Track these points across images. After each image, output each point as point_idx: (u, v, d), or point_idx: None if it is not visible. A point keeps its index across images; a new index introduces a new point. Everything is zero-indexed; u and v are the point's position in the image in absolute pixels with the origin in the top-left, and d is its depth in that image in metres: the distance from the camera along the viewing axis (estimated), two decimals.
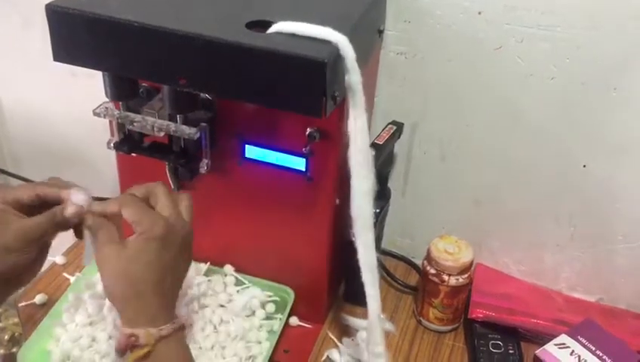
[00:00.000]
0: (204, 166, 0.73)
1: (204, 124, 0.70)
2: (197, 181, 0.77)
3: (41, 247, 0.59)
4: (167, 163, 0.76)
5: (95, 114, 0.70)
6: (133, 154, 0.75)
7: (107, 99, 0.70)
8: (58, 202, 0.59)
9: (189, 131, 0.68)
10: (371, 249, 0.69)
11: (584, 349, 0.77)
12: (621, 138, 0.79)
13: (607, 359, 0.76)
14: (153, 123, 0.69)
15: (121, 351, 0.54)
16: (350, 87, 0.62)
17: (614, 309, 0.90)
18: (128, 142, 0.74)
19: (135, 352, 0.53)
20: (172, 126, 0.69)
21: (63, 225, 0.58)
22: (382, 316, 0.74)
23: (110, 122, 0.73)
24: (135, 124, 0.70)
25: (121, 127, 0.73)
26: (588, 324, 0.81)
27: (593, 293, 0.92)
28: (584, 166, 0.82)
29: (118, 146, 0.74)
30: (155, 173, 0.77)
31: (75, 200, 0.58)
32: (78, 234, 0.60)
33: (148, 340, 0.53)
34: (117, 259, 0.55)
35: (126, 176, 0.86)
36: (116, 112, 0.70)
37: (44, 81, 1.06)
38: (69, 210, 0.58)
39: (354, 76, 0.61)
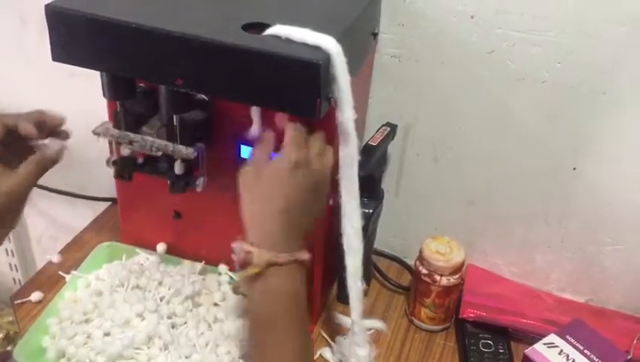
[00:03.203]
0: (200, 183, 0.75)
1: (200, 145, 0.72)
2: None
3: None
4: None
5: (95, 133, 0.72)
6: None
7: (104, 106, 0.71)
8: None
9: (186, 151, 0.70)
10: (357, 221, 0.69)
11: (572, 349, 0.78)
12: (611, 141, 0.80)
13: (595, 358, 0.77)
14: (152, 143, 0.71)
15: (239, 265, 0.57)
16: (339, 94, 0.62)
17: (603, 310, 0.92)
18: (126, 165, 0.77)
19: (247, 269, 0.55)
20: (170, 146, 0.70)
21: (47, 167, 0.62)
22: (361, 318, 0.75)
23: (109, 141, 0.74)
24: (134, 143, 0.71)
25: (119, 145, 0.75)
26: (577, 324, 0.82)
27: (583, 294, 0.93)
28: (574, 168, 0.83)
29: (118, 173, 0.77)
30: (152, 180, 0.78)
31: (52, 144, 0.62)
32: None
33: (259, 261, 0.55)
34: (254, 179, 0.60)
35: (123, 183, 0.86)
36: (115, 132, 0.71)
37: (42, 80, 1.06)
38: (51, 153, 0.62)
39: (343, 84, 0.61)
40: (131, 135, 0.71)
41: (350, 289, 0.72)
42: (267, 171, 0.60)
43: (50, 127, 0.66)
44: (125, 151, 0.75)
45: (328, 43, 0.59)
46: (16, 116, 0.63)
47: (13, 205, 0.61)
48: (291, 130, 0.62)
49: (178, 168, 0.74)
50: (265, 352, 0.56)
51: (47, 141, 0.62)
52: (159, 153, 0.71)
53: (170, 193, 0.77)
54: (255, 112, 0.69)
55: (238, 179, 0.61)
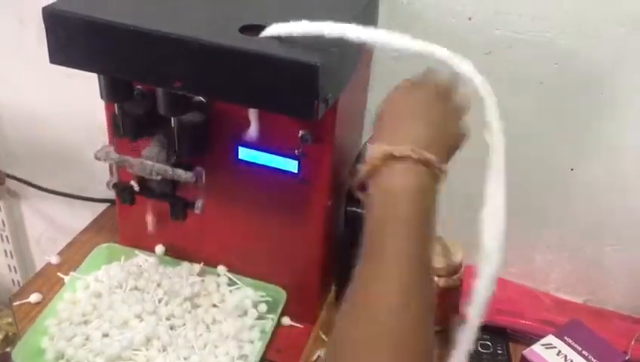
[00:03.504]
0: (199, 206, 0.76)
1: (199, 168, 0.73)
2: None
3: None
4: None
5: (96, 158, 0.73)
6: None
7: (102, 107, 0.72)
8: None
9: (185, 176, 0.71)
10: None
11: (571, 349, 0.78)
12: (609, 141, 0.80)
13: (592, 359, 0.77)
14: (152, 167, 0.71)
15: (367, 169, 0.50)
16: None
17: (602, 310, 0.92)
18: (128, 191, 0.78)
19: (364, 166, 0.50)
20: (169, 170, 0.71)
21: None
22: None
23: (110, 165, 0.75)
24: (134, 168, 0.72)
25: (121, 168, 0.76)
26: (575, 325, 0.82)
27: (581, 294, 0.93)
28: (572, 169, 0.83)
29: (123, 199, 0.79)
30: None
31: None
32: None
33: (378, 152, 0.49)
34: (401, 96, 0.59)
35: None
36: (116, 156, 0.72)
37: (41, 81, 1.06)
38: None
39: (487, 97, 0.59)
40: (131, 159, 0.72)
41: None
42: (428, 87, 0.58)
43: None
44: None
45: (333, 26, 0.58)
46: None
47: None
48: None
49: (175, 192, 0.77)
50: (386, 252, 0.46)
51: None
52: (159, 177, 0.72)
53: (172, 218, 0.78)
54: (253, 114, 0.69)
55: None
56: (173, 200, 0.78)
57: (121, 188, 0.78)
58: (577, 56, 0.76)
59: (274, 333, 0.82)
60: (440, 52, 0.58)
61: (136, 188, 0.77)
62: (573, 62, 0.76)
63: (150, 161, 0.72)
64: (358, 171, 0.50)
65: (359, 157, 0.79)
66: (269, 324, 0.82)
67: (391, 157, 0.48)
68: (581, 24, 0.74)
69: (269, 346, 0.80)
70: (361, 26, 0.58)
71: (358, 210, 0.79)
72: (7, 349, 1.32)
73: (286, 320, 0.85)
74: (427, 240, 0.49)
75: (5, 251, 1.34)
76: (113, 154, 0.74)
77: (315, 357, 0.82)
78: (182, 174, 0.71)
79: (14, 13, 1.03)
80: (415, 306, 0.44)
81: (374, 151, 0.49)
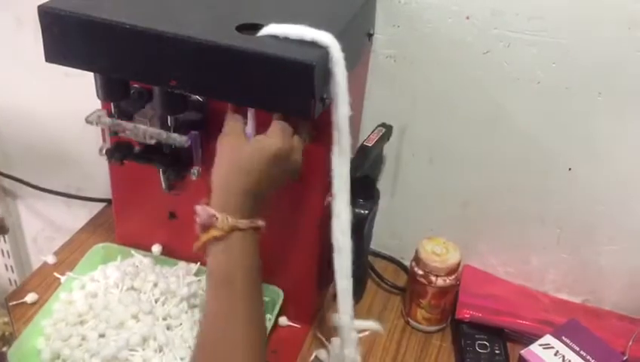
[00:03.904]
0: (194, 172, 0.74)
1: (194, 132, 0.71)
2: (187, 181, 0.78)
3: None
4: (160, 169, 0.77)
5: (87, 122, 0.71)
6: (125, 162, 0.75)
7: (99, 106, 0.71)
8: None
9: (179, 139, 0.69)
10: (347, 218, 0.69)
11: (568, 349, 0.78)
12: (606, 142, 0.80)
13: (590, 359, 0.77)
14: (145, 131, 0.70)
15: (201, 228, 0.60)
16: (335, 91, 0.62)
17: (599, 310, 0.92)
18: (120, 150, 0.75)
19: (210, 232, 0.59)
20: (163, 134, 0.70)
21: None
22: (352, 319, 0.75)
23: (102, 129, 0.74)
24: (127, 131, 0.71)
25: (113, 133, 0.73)
26: (572, 325, 0.82)
27: (579, 295, 0.93)
28: (569, 169, 0.83)
29: (110, 154, 0.75)
30: (146, 172, 0.78)
31: None
32: None
33: (223, 225, 0.59)
34: (233, 147, 0.62)
35: (117, 174, 0.86)
36: (108, 120, 0.71)
37: (37, 81, 1.06)
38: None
39: (340, 80, 0.62)
40: (124, 123, 0.71)
41: (338, 291, 0.72)
42: (249, 147, 0.62)
43: None
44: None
45: (325, 38, 0.59)
46: None
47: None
48: (278, 117, 0.64)
49: (171, 157, 0.74)
50: (220, 309, 0.59)
51: None
52: (153, 141, 0.70)
53: (165, 188, 0.76)
54: (250, 112, 0.69)
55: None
56: (167, 164, 0.76)
57: (113, 148, 0.76)
58: (575, 56, 0.76)
59: (271, 334, 0.81)
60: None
61: (137, 149, 0.75)
62: (571, 62, 0.76)
63: (143, 124, 0.71)
64: (200, 236, 0.60)
65: (357, 157, 0.79)
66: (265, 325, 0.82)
67: (235, 229, 0.59)
68: (578, 23, 0.74)
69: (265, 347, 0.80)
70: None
71: (356, 210, 0.78)
72: (4, 349, 1.31)
73: (283, 321, 0.85)
74: (258, 296, 0.62)
75: (2, 250, 1.34)
76: (105, 118, 0.71)
77: (312, 358, 0.82)
78: (176, 138, 0.70)
79: (11, 12, 1.03)
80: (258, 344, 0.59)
81: (222, 223, 0.59)
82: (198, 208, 0.61)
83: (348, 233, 0.69)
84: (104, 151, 0.75)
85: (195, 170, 0.74)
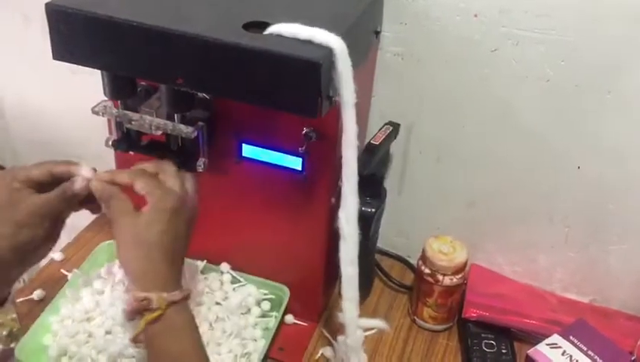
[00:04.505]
0: (201, 164, 0.74)
1: (201, 123, 0.70)
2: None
3: (55, 223, 0.61)
4: None
5: (94, 112, 0.71)
6: (131, 153, 0.75)
7: (106, 99, 0.71)
8: (69, 178, 0.62)
9: (186, 130, 0.69)
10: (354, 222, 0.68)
11: (576, 349, 0.78)
12: (615, 140, 0.79)
13: (598, 359, 0.77)
14: (151, 122, 0.70)
15: (132, 315, 0.57)
16: (341, 92, 0.62)
17: (607, 310, 0.91)
18: (126, 141, 0.75)
19: (147, 316, 0.56)
20: (169, 125, 0.69)
21: (73, 200, 0.62)
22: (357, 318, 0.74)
23: (109, 120, 0.74)
24: (133, 122, 0.71)
25: (119, 125, 0.73)
26: (580, 325, 0.82)
27: (586, 294, 0.92)
28: (578, 167, 0.83)
29: (116, 144, 0.74)
30: None
31: (85, 173, 0.62)
32: (95, 209, 0.64)
33: (160, 304, 0.56)
34: (132, 226, 0.59)
35: None
36: (114, 111, 0.71)
37: (45, 78, 1.06)
38: (77, 184, 0.61)
39: (346, 81, 0.61)
40: (130, 113, 0.70)
41: (343, 279, 0.71)
42: (147, 218, 0.59)
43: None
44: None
45: (332, 40, 0.59)
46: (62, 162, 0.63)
47: (23, 232, 0.58)
48: (139, 182, 0.61)
49: (175, 146, 0.73)
50: None
51: (81, 169, 0.63)
52: (159, 132, 0.70)
53: None
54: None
55: (114, 230, 0.61)
56: (173, 156, 0.73)
57: (120, 139, 0.75)
58: (584, 54, 0.75)
59: (277, 331, 0.81)
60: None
61: (144, 143, 0.74)
62: (580, 60, 0.76)
63: (149, 115, 0.70)
64: (142, 322, 0.57)
65: (364, 155, 0.78)
66: (272, 322, 0.82)
67: (172, 303, 0.57)
68: (587, 21, 0.73)
69: (272, 344, 0.80)
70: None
71: (363, 208, 0.78)
72: (12, 345, 1.32)
73: (290, 318, 0.85)
74: (207, 358, 0.60)
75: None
76: (112, 109, 0.71)
77: (318, 356, 0.82)
78: (182, 129, 0.69)
79: (19, 10, 1.03)
80: None
81: (158, 302, 0.56)
82: (127, 297, 0.58)
83: (354, 221, 0.68)
84: (110, 143, 0.75)
85: (201, 162, 0.74)
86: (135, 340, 0.59)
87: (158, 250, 0.58)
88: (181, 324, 0.58)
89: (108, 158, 0.85)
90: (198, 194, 0.65)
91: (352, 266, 0.70)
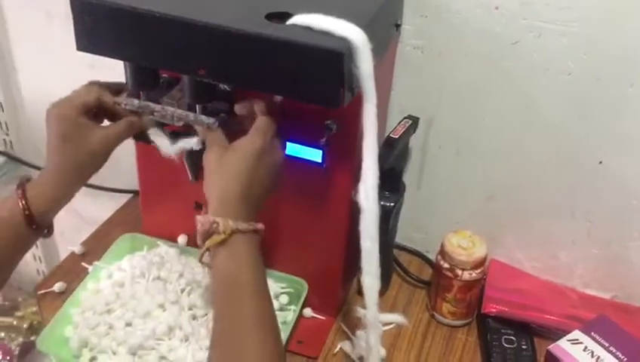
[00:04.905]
0: None
1: (222, 115, 0.71)
2: None
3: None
4: (185, 153, 0.77)
5: (116, 103, 0.72)
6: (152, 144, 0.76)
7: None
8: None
9: (207, 121, 0.69)
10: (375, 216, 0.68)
11: (597, 345, 0.77)
12: (637, 134, 0.79)
13: (620, 355, 0.76)
14: (173, 112, 0.70)
15: (202, 236, 0.61)
16: (362, 82, 0.62)
17: (629, 306, 0.90)
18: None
19: (213, 238, 0.60)
20: (191, 115, 0.70)
21: (137, 131, 0.73)
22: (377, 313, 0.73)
23: (130, 112, 0.74)
24: (155, 113, 0.71)
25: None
26: (602, 321, 0.81)
27: (608, 290, 0.91)
28: (600, 162, 0.82)
29: (137, 137, 0.75)
30: (173, 163, 0.78)
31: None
32: (142, 138, 0.74)
33: (225, 229, 0.60)
34: (219, 156, 0.65)
35: (144, 167, 0.87)
36: (136, 102, 0.71)
37: (64, 72, 1.07)
38: (146, 120, 0.72)
39: (366, 73, 0.61)
40: (152, 105, 0.71)
41: (363, 252, 0.70)
42: (233, 152, 0.64)
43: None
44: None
45: (353, 32, 0.59)
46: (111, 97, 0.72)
47: (96, 158, 0.70)
48: (259, 115, 0.67)
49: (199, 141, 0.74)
50: (230, 311, 0.59)
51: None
52: (180, 123, 0.71)
53: (192, 178, 0.77)
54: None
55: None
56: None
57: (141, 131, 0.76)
58: (606, 47, 0.74)
59: (295, 325, 0.81)
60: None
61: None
62: (602, 53, 0.75)
63: (171, 106, 0.71)
64: (203, 242, 0.61)
65: (383, 149, 0.78)
66: (290, 316, 0.82)
67: (236, 232, 0.60)
68: (609, 13, 0.73)
69: (290, 338, 0.80)
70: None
71: (381, 203, 0.78)
72: (33, 338, 1.33)
73: (308, 312, 0.85)
74: (266, 296, 0.62)
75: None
76: (133, 100, 0.72)
77: (336, 349, 0.82)
78: (204, 120, 0.70)
79: (42, 7, 1.04)
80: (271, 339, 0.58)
81: (224, 227, 0.60)
82: (199, 218, 0.62)
83: (373, 196, 0.67)
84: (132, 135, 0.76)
85: None
86: (200, 260, 0.62)
87: (234, 183, 0.62)
88: (243, 253, 0.61)
89: (126, 150, 0.85)
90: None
91: (371, 241, 0.69)
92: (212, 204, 0.63)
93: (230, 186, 0.62)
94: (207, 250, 0.61)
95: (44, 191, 0.68)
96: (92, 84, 0.72)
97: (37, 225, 0.67)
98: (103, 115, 0.73)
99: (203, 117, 0.69)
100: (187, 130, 0.73)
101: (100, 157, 0.71)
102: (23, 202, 0.66)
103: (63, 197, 0.70)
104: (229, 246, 0.60)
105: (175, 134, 0.74)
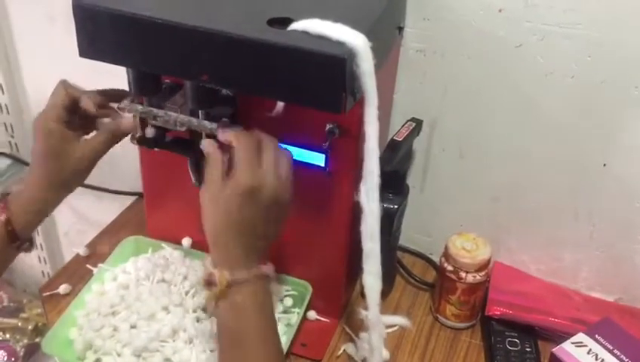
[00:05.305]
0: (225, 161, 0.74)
1: (225, 120, 0.71)
2: None
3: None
4: (189, 158, 0.77)
5: (119, 108, 0.72)
6: (156, 149, 0.76)
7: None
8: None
9: (210, 126, 0.69)
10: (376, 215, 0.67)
11: (602, 348, 0.77)
12: None
13: (624, 358, 0.76)
14: (176, 118, 0.70)
15: (206, 284, 0.59)
16: (364, 85, 0.61)
17: (634, 309, 0.90)
18: (151, 137, 0.75)
19: (212, 291, 0.58)
20: (194, 121, 0.70)
21: (120, 137, 0.72)
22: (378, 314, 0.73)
23: (133, 117, 0.75)
24: (158, 119, 0.71)
25: (143, 122, 0.74)
26: (606, 323, 0.81)
27: (612, 293, 0.91)
28: (604, 165, 0.82)
29: (141, 141, 0.75)
30: (177, 166, 0.78)
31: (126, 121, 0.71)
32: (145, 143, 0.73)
33: (221, 282, 0.57)
34: (209, 194, 0.61)
35: (148, 170, 0.87)
36: (139, 107, 0.71)
37: (70, 76, 1.07)
38: (126, 123, 0.71)
39: (368, 76, 0.60)
40: (155, 110, 0.71)
41: (365, 254, 0.69)
42: (223, 194, 0.60)
43: (115, 100, 0.73)
44: (150, 132, 0.74)
45: (355, 37, 0.59)
46: (81, 91, 0.72)
47: (81, 171, 0.70)
48: (239, 148, 0.61)
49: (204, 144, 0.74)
50: None
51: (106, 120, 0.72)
52: (183, 128, 0.71)
53: (195, 181, 0.77)
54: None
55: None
56: (196, 153, 0.73)
57: (144, 135, 0.75)
58: (610, 49, 0.74)
59: (299, 327, 0.82)
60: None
61: (169, 139, 0.76)
62: (607, 55, 0.75)
63: (174, 112, 0.71)
64: (208, 294, 0.59)
65: (386, 151, 0.78)
66: (294, 318, 0.82)
67: (233, 284, 0.58)
68: (613, 16, 0.72)
69: (294, 340, 0.80)
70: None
71: (385, 205, 0.78)
72: (37, 339, 1.34)
73: (312, 314, 0.85)
74: (272, 344, 0.60)
75: (35, 243, 1.36)
76: (136, 105, 0.72)
77: (340, 352, 0.82)
78: (207, 125, 0.69)
79: (44, 10, 1.04)
80: None
81: (220, 279, 0.58)
82: (204, 263, 0.60)
83: (374, 197, 0.66)
84: (135, 139, 0.76)
85: (225, 158, 0.74)
86: (205, 309, 0.62)
87: (226, 227, 0.59)
88: (242, 304, 0.58)
89: (130, 155, 0.86)
90: (290, 181, 0.63)
91: (372, 241, 0.68)
92: (211, 249, 0.60)
93: (222, 231, 0.59)
94: (211, 300, 0.59)
95: (26, 207, 0.68)
96: (60, 84, 0.72)
97: (19, 240, 0.66)
98: (80, 115, 0.71)
99: (206, 122, 0.69)
100: (192, 136, 0.73)
101: (84, 172, 0.71)
102: (4, 217, 0.66)
103: (45, 212, 0.70)
104: (229, 296, 0.58)
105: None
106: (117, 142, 0.72)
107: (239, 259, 0.59)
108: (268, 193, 0.60)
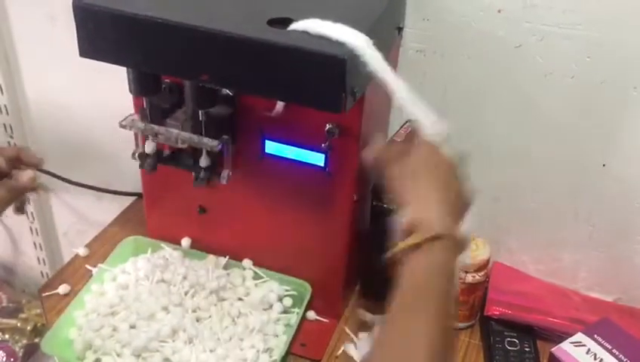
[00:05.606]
0: (225, 176, 0.75)
1: (225, 137, 0.71)
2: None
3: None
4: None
5: (121, 126, 0.73)
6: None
7: (131, 101, 0.72)
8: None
9: (211, 144, 0.70)
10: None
11: (600, 348, 0.77)
12: None
13: (623, 358, 0.76)
14: (177, 135, 0.71)
15: (402, 235, 0.56)
16: (381, 80, 0.61)
17: (632, 309, 0.90)
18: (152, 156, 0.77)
19: (407, 240, 0.55)
20: (195, 138, 0.70)
21: (22, 192, 0.71)
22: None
23: (135, 134, 0.75)
24: (159, 135, 0.72)
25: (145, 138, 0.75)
26: (605, 323, 0.81)
27: (611, 293, 0.91)
28: (604, 165, 0.82)
29: (142, 160, 0.76)
30: (177, 174, 0.78)
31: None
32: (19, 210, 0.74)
33: (427, 232, 0.55)
34: (429, 161, 0.62)
35: (149, 177, 0.87)
36: (141, 125, 0.72)
37: (70, 77, 1.08)
38: (25, 177, 0.71)
39: (381, 70, 0.61)
40: (156, 127, 0.72)
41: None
42: (437, 157, 0.62)
43: (26, 165, 0.73)
44: (149, 147, 0.75)
45: (356, 37, 0.59)
46: None
47: None
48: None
49: (204, 161, 0.74)
50: (407, 325, 0.53)
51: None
52: (184, 145, 0.71)
53: (195, 186, 0.77)
54: None
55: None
56: (198, 169, 0.76)
57: (145, 155, 0.77)
58: (610, 49, 0.74)
59: (299, 327, 0.81)
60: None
61: (167, 153, 0.76)
62: (606, 56, 0.75)
63: (175, 128, 0.71)
64: (396, 244, 0.56)
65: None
66: (294, 318, 0.82)
67: (438, 238, 0.54)
68: (612, 16, 0.72)
69: (294, 340, 0.80)
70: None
71: (384, 206, 0.78)
72: (36, 340, 1.34)
73: (311, 314, 0.85)
74: (452, 304, 0.56)
75: (34, 243, 1.36)
76: (138, 122, 0.72)
77: (339, 352, 0.82)
78: (208, 142, 0.70)
79: (45, 10, 1.04)
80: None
81: (427, 230, 0.55)
82: (404, 217, 0.57)
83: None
84: (137, 156, 0.77)
85: (225, 174, 0.75)
86: (390, 259, 0.57)
87: (441, 191, 0.59)
88: (438, 262, 0.55)
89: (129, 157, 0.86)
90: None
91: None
92: (412, 203, 0.58)
93: (434, 192, 0.59)
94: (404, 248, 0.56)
95: None
96: None
97: None
98: None
99: (207, 139, 0.70)
100: (193, 151, 0.74)
101: None
102: None
103: None
104: (427, 251, 0.55)
105: None
106: (16, 198, 0.72)
107: (446, 220, 0.57)
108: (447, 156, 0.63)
